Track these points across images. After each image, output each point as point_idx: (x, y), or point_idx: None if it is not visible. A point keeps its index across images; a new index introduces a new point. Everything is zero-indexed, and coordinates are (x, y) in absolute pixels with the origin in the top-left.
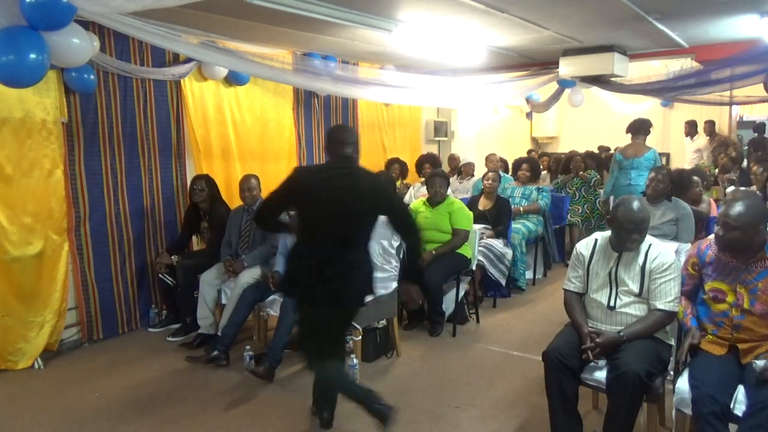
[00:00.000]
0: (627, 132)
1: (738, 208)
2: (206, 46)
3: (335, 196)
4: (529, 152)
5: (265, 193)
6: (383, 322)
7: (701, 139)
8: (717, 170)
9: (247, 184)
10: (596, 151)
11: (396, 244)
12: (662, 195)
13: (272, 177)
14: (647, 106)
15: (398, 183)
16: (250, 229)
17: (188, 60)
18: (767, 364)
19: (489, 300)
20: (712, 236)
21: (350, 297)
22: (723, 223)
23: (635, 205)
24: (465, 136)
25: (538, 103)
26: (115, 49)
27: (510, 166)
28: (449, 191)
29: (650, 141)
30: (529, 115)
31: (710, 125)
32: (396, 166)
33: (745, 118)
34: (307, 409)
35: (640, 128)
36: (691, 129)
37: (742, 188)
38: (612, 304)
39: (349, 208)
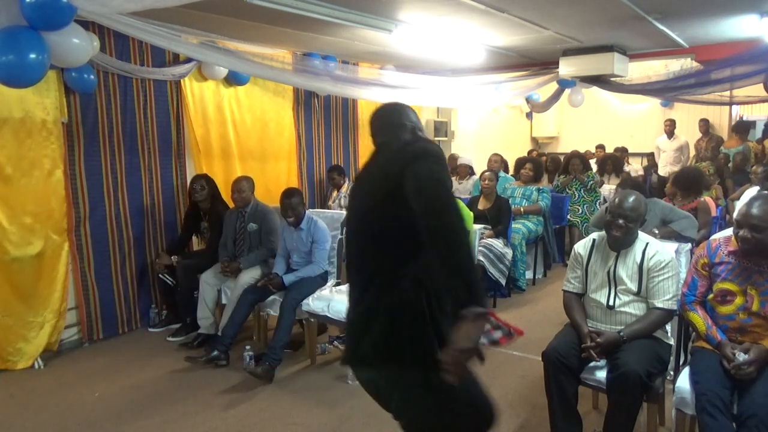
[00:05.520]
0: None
1: (764, 207)
2: (206, 46)
3: (351, 203)
4: (530, 152)
5: (259, 194)
6: None
7: (683, 138)
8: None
9: (237, 185)
10: (593, 150)
11: None
12: None
13: (272, 177)
14: (647, 106)
15: None
16: (245, 232)
17: (188, 60)
18: (747, 359)
19: (489, 300)
20: (721, 235)
21: (370, 356)
22: (751, 226)
23: (630, 196)
24: (465, 136)
25: (538, 103)
26: (115, 49)
27: (510, 166)
28: None
29: (648, 140)
30: (529, 115)
31: (705, 123)
32: None
33: (745, 118)
34: (306, 407)
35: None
36: (671, 128)
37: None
38: (611, 303)
39: (359, 213)
